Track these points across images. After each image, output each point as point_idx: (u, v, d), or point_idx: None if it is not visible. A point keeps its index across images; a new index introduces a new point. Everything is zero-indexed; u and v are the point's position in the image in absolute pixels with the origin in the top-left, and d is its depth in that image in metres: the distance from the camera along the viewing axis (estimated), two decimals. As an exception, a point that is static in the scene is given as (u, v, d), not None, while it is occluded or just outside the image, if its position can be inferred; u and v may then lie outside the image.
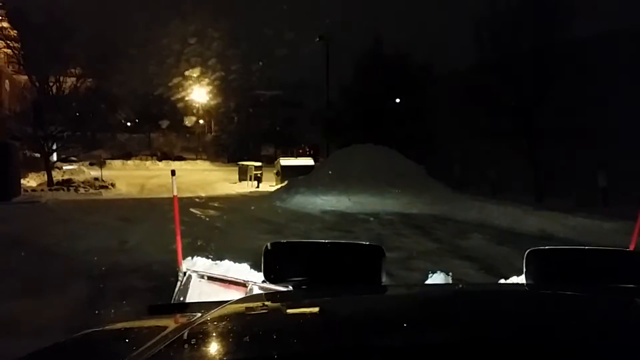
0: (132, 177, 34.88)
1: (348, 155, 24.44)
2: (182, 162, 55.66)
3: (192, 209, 17.66)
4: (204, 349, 1.16)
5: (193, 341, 1.18)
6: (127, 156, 58.28)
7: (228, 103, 59.44)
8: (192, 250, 6.28)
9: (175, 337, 1.20)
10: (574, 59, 18.60)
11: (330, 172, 23.07)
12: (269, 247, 1.76)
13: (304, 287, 1.72)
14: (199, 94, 53.98)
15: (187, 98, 51.17)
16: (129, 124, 64.86)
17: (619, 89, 18.51)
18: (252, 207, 19.13)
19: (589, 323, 1.24)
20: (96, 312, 6.55)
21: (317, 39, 37.41)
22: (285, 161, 33.87)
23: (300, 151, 50.40)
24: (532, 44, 19.95)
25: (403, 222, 15.85)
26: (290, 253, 1.85)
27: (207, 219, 16.17)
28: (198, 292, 4.89)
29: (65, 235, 12.55)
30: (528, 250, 1.70)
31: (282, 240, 1.88)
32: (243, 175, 34.16)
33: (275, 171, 33.18)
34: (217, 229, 14.08)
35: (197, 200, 21.17)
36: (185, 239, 8.27)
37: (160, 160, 58.25)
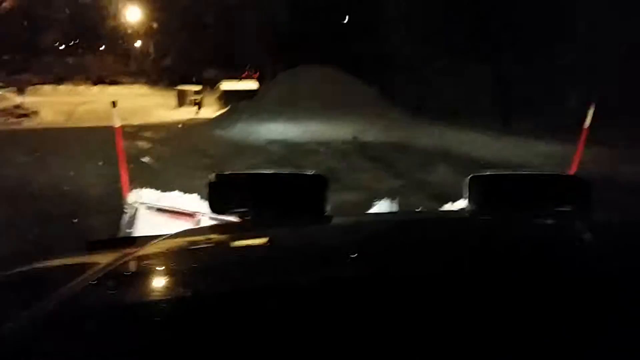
0: (60, 104, 32.10)
1: (295, 78, 22.40)
2: (119, 86, 51.96)
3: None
4: (137, 281, 1.18)
5: (127, 274, 1.20)
6: (59, 81, 54.62)
7: (167, 22, 56.09)
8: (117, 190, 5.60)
9: (109, 270, 1.18)
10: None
11: (275, 97, 21.13)
12: (213, 178, 1.77)
13: (248, 218, 1.72)
14: (134, 12, 50.52)
15: (122, 16, 47.91)
16: (62, 47, 60.97)
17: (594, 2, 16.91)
18: (189, 138, 17.25)
19: (523, 245, 1.28)
20: None
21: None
22: (227, 85, 31.91)
23: (245, 74, 48.11)
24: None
25: (358, 153, 14.23)
26: (234, 184, 1.84)
27: (135, 151, 14.08)
28: (147, 224, 4.88)
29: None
30: (470, 176, 1.70)
31: (226, 172, 1.85)
32: (182, 100, 32.44)
33: (216, 96, 31.34)
34: (146, 166, 12.15)
35: (127, 130, 18.98)
36: (110, 177, 6.90)
37: (94, 84, 54.77)
